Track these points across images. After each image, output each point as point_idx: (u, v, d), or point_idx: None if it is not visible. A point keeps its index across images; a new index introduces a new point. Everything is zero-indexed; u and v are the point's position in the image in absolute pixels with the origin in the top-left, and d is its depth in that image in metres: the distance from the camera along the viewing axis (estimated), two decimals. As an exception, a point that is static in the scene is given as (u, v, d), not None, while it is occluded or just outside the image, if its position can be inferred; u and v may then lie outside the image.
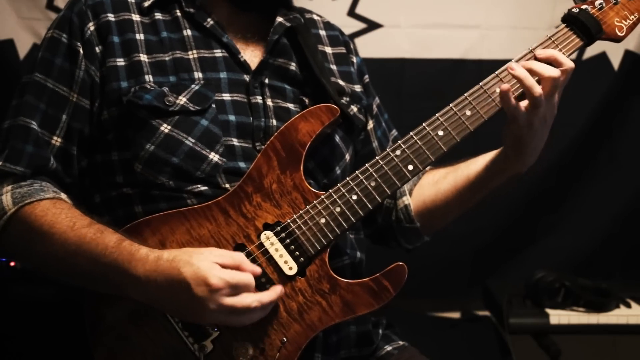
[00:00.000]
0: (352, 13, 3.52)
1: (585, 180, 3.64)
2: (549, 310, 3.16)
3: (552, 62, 2.02)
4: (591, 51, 3.50)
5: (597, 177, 3.64)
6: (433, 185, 2.31)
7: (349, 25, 3.49)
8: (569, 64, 2.02)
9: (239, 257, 1.89)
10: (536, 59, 2.03)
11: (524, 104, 2.00)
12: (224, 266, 1.84)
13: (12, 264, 2.76)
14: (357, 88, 2.33)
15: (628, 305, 3.22)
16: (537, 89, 1.97)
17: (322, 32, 2.36)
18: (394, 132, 2.46)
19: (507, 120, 2.05)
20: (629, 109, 3.62)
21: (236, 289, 1.83)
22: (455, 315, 3.61)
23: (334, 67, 2.30)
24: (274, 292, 1.92)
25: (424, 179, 2.35)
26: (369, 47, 3.49)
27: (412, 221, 2.33)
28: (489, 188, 2.21)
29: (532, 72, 2.00)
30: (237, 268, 1.86)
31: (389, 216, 2.37)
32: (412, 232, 2.35)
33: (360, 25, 3.53)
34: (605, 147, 3.64)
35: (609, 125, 3.62)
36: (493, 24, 3.52)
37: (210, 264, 1.82)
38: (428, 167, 2.30)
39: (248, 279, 1.86)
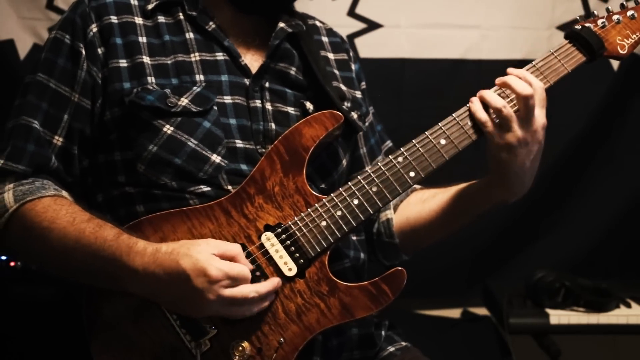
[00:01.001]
0: (352, 13, 3.51)
1: (585, 180, 3.64)
2: (549, 310, 3.16)
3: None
4: (591, 52, 3.50)
5: (596, 177, 3.64)
6: (420, 204, 2.31)
7: (349, 25, 3.48)
8: (537, 84, 2.03)
9: (235, 249, 1.91)
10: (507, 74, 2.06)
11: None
12: (221, 257, 1.86)
13: (12, 263, 2.77)
14: (358, 94, 2.34)
15: (628, 305, 3.22)
16: (498, 103, 2.00)
17: (325, 39, 2.37)
18: (388, 143, 2.47)
19: (486, 144, 2.06)
20: (628, 110, 3.62)
21: (235, 280, 1.85)
22: (455, 315, 3.61)
23: (336, 71, 2.31)
24: (271, 283, 1.93)
25: (412, 197, 2.35)
26: (369, 47, 3.49)
27: (391, 236, 2.33)
28: (473, 213, 2.22)
29: (506, 86, 2.03)
30: (232, 259, 1.88)
31: (370, 228, 2.38)
32: (391, 248, 2.35)
33: (360, 25, 3.52)
34: (605, 148, 3.64)
35: (609, 126, 3.62)
36: (493, 24, 3.52)
37: (208, 256, 1.84)
38: (418, 186, 2.30)
39: (246, 271, 1.88)
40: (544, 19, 3.49)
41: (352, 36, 3.48)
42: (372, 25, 3.53)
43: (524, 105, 2.00)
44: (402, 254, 2.34)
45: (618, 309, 3.20)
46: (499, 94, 2.04)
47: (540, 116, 2.03)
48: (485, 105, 2.03)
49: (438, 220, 2.25)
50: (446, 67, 3.54)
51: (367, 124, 2.39)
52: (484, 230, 3.55)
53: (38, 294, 2.71)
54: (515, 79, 2.03)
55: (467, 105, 2.06)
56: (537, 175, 3.35)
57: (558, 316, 3.14)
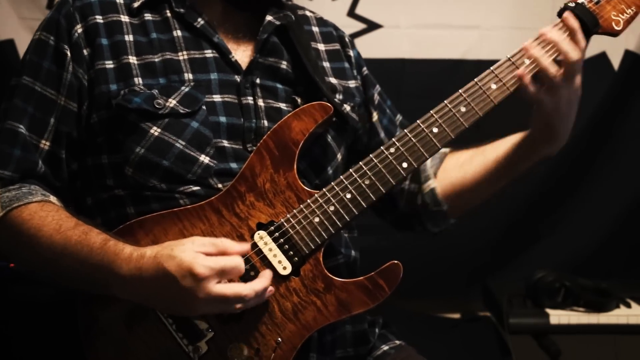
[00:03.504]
0: (352, 13, 3.52)
1: (586, 180, 3.64)
2: (549, 310, 3.16)
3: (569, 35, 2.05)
4: (591, 51, 3.49)
5: (597, 177, 3.64)
6: (460, 168, 2.30)
7: (349, 26, 3.49)
8: (583, 41, 2.05)
9: (223, 243, 1.87)
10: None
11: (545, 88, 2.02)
12: (208, 254, 1.82)
13: (12, 264, 2.76)
14: (352, 84, 2.31)
15: (628, 305, 3.22)
16: (553, 70, 2.01)
17: (315, 29, 2.34)
18: (399, 117, 2.47)
19: (533, 108, 2.07)
20: (629, 109, 3.62)
21: (223, 274, 1.82)
22: (455, 315, 3.62)
23: (327, 64, 2.29)
24: (265, 277, 1.90)
25: (448, 162, 2.34)
26: (369, 47, 3.47)
27: (439, 204, 2.32)
28: (519, 171, 2.22)
29: (556, 46, 2.02)
30: (222, 254, 1.85)
31: (413, 200, 2.36)
32: (439, 215, 2.34)
33: (360, 26, 3.53)
34: (606, 147, 3.64)
35: (610, 125, 3.62)
36: (492, 25, 3.53)
37: (193, 254, 1.80)
38: (448, 150, 2.32)
39: (234, 262, 1.84)
40: (544, 19, 3.45)
41: (352, 36, 3.44)
42: (372, 26, 3.54)
43: (573, 69, 2.02)
44: (449, 219, 2.35)
45: (618, 309, 3.21)
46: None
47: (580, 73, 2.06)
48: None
49: (485, 181, 2.25)
50: (446, 67, 3.55)
51: (376, 104, 2.39)
52: (484, 230, 3.56)
53: (38, 294, 2.70)
54: (567, 41, 2.03)
55: (459, 91, 2.04)
56: (537, 174, 3.34)
57: (558, 316, 3.14)
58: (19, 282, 2.72)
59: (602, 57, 3.55)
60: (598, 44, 3.45)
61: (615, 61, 3.56)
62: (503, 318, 3.15)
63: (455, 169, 2.32)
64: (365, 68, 2.40)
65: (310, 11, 2.38)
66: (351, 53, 2.37)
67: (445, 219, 2.35)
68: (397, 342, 2.29)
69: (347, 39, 2.39)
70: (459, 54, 3.54)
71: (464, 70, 3.51)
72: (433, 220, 2.37)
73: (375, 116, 2.38)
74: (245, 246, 1.91)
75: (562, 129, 2.10)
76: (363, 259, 2.24)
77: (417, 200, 2.36)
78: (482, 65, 3.47)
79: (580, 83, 2.06)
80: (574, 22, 2.05)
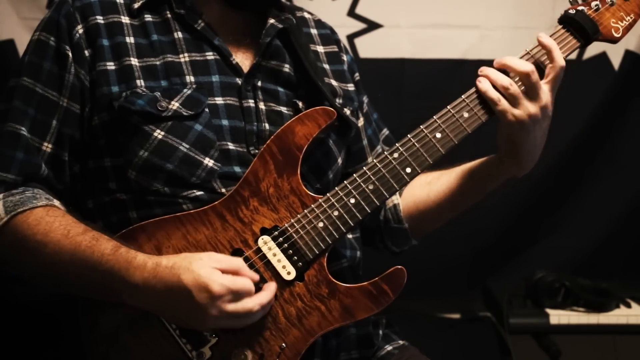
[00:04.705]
0: (352, 13, 3.51)
1: (586, 180, 3.63)
2: (549, 310, 3.15)
3: (546, 53, 2.05)
4: (591, 51, 3.49)
5: (597, 177, 3.63)
6: (425, 186, 2.30)
7: (349, 25, 3.48)
8: (559, 63, 2.04)
9: (238, 263, 1.88)
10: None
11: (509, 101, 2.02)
12: (223, 271, 1.83)
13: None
14: (350, 87, 2.32)
15: (628, 305, 3.22)
16: (504, 82, 2.01)
17: (314, 31, 2.34)
18: (385, 132, 2.46)
19: (498, 122, 2.06)
20: (629, 109, 3.61)
21: (237, 295, 1.82)
22: (456, 315, 3.61)
23: (326, 66, 2.29)
24: (270, 290, 1.91)
25: (416, 180, 2.32)
26: (369, 47, 3.49)
27: (400, 221, 2.33)
28: (483, 192, 2.23)
29: (505, 66, 2.03)
30: (235, 273, 1.85)
31: (376, 216, 2.37)
32: (400, 234, 2.34)
33: (360, 25, 3.51)
34: (606, 148, 3.62)
35: (610, 125, 3.61)
36: (493, 25, 3.51)
37: (210, 270, 1.81)
38: None
39: (249, 284, 1.85)
40: (544, 19, 3.48)
41: (352, 36, 3.48)
42: (372, 25, 3.52)
43: (528, 81, 2.00)
44: (411, 238, 2.34)
45: (618, 309, 3.20)
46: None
47: (548, 91, 2.03)
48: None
49: (447, 201, 2.25)
50: (446, 67, 3.54)
51: (364, 112, 2.39)
52: (484, 231, 3.55)
53: (38, 294, 2.70)
54: (512, 58, 2.03)
55: (462, 97, 2.05)
56: (537, 175, 3.34)
57: (558, 316, 3.13)
58: (20, 282, 2.72)
59: (603, 57, 3.53)
60: (598, 43, 3.44)
61: (616, 61, 3.55)
62: (503, 318, 3.14)
63: (420, 187, 2.32)
64: (357, 74, 2.41)
65: (309, 12, 2.38)
66: (345, 58, 2.37)
67: (407, 239, 2.36)
68: (401, 342, 2.31)
69: (342, 44, 2.39)
70: (459, 54, 3.53)
71: (464, 70, 3.49)
72: (393, 239, 2.37)
73: (360, 121, 2.38)
74: (256, 275, 1.91)
75: (526, 146, 2.07)
76: (364, 259, 2.25)
77: (379, 215, 2.37)
78: (482, 65, 3.49)
79: (550, 103, 2.05)
80: (549, 41, 2.06)
